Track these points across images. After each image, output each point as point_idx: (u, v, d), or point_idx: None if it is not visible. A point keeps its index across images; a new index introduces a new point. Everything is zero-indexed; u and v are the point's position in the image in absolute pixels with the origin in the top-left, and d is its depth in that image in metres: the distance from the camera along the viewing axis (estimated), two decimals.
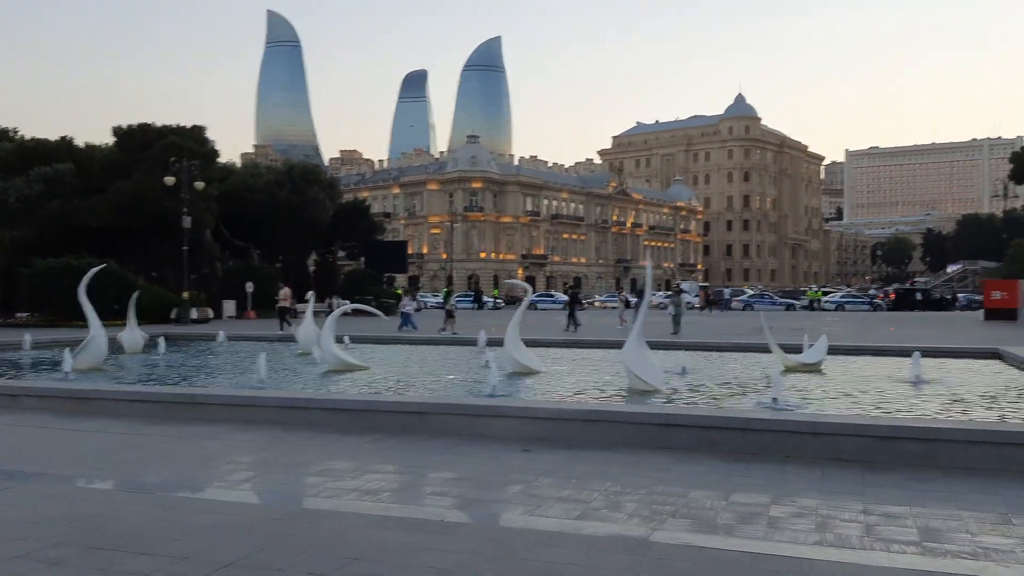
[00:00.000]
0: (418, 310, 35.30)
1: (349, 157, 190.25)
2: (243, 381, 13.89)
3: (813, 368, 14.98)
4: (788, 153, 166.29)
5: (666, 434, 7.95)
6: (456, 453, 7.96)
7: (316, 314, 47.42)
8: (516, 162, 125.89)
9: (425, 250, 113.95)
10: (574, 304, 33.33)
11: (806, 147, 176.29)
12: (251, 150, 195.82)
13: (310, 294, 21.75)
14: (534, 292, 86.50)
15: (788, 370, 14.95)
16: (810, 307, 56.73)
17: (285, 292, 33.25)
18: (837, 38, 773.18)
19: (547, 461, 7.48)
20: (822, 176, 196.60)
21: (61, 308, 35.12)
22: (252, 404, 9.65)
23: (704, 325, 34.03)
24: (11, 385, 11.36)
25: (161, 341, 19.25)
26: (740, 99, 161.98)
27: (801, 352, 16.42)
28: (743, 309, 54.32)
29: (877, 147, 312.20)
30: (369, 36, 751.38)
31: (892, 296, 58.54)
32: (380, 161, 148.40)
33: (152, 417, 10.10)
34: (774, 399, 10.07)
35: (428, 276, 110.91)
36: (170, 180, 33.87)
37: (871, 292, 74.55)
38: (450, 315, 30.11)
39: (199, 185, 35.97)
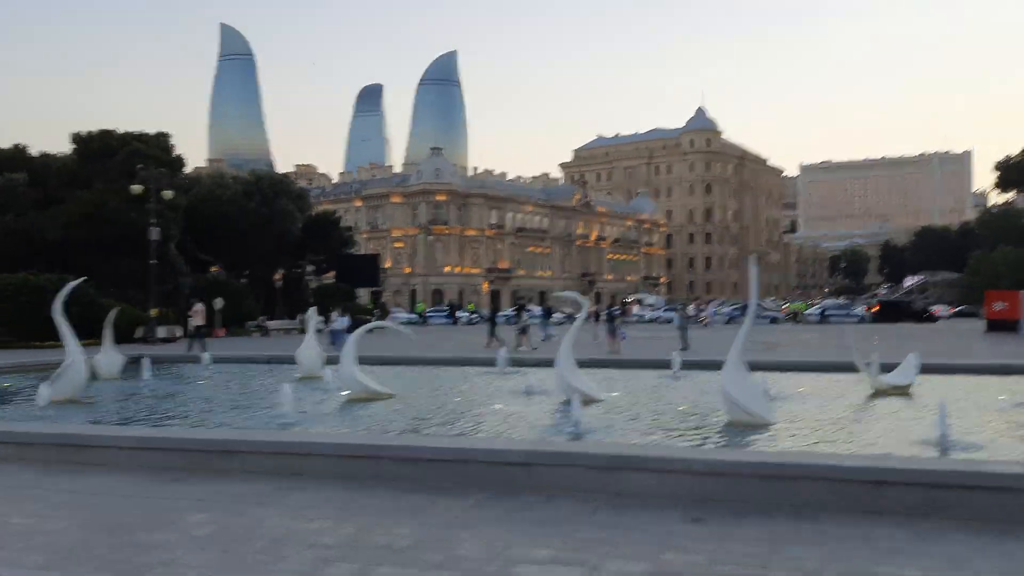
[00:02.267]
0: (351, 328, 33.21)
1: (305, 171, 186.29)
2: (261, 415, 11.78)
3: (903, 391, 13.33)
4: (748, 166, 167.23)
5: (876, 493, 6.12)
6: (604, 525, 6.02)
7: (288, 332, 44.85)
8: (471, 174, 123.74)
9: (388, 264, 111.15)
10: (494, 320, 32.46)
11: (766, 160, 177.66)
12: (204, 164, 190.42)
13: (311, 310, 19.56)
14: (510, 309, 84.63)
15: (877, 392, 13.30)
16: (794, 319, 55.78)
17: (199, 308, 29.57)
18: (795, 53, 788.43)
19: (745, 538, 5.59)
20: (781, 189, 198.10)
21: (17, 328, 32.32)
22: (303, 452, 7.61)
23: (713, 340, 32.38)
24: None
25: (146, 364, 16.92)
26: (700, 112, 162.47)
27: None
28: (727, 323, 53.01)
29: (830, 161, 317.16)
30: (323, 50, 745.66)
31: (876, 308, 57.83)
32: (341, 174, 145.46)
33: (168, 469, 7.99)
34: (942, 436, 8.34)
35: (392, 291, 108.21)
36: (137, 188, 31.36)
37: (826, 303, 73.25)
38: (524, 331, 28.67)
39: (167, 194, 33.46)
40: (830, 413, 11.41)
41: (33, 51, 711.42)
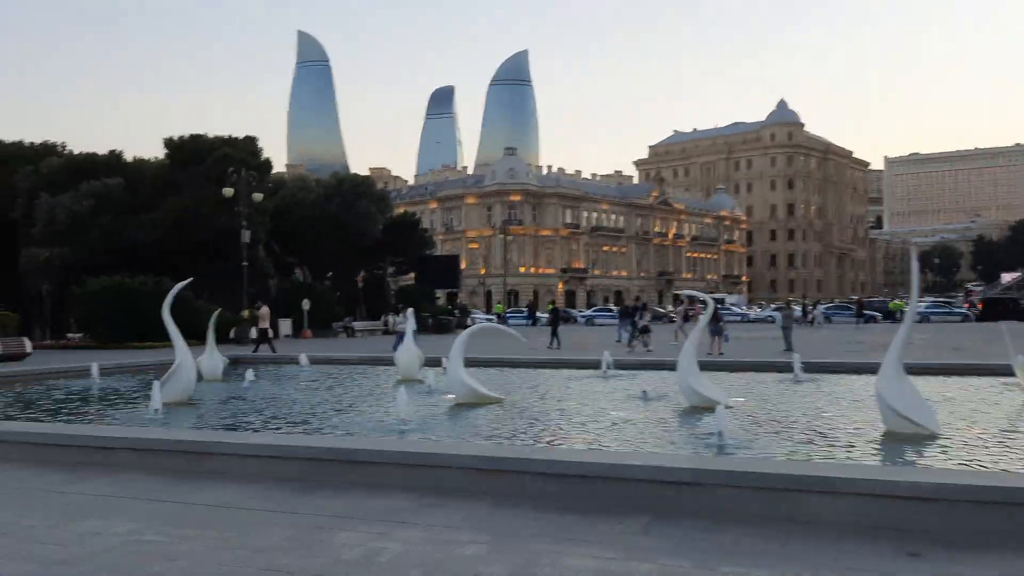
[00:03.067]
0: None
1: (379, 174, 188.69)
2: (374, 420, 11.32)
3: None
4: (833, 159, 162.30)
5: None
6: (804, 559, 5.23)
7: (372, 333, 44.76)
8: (544, 174, 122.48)
9: (464, 265, 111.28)
10: (557, 321, 32.44)
11: (851, 153, 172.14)
12: (283, 170, 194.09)
13: (410, 311, 19.15)
14: (591, 308, 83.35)
15: None
16: (892, 318, 53.34)
17: (264, 311, 28.84)
18: (880, 42, 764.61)
19: None
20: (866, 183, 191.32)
21: (113, 329, 33.04)
22: (441, 464, 7.04)
23: (817, 341, 30.99)
24: (104, 435, 8.82)
25: (249, 370, 16.76)
26: (782, 105, 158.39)
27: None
28: (824, 322, 50.98)
29: (917, 153, 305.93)
30: (395, 53, 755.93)
31: (980, 306, 54.76)
32: (416, 177, 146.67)
33: (294, 481, 7.52)
34: None
35: (467, 292, 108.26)
36: (228, 192, 31.71)
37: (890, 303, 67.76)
38: (646, 330, 27.86)
39: (257, 197, 33.77)
40: (996, 423, 10.33)
41: (125, 59, 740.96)
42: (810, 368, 16.83)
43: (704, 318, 13.25)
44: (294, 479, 7.58)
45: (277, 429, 10.88)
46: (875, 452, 8.70)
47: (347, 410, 12.92)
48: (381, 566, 5.26)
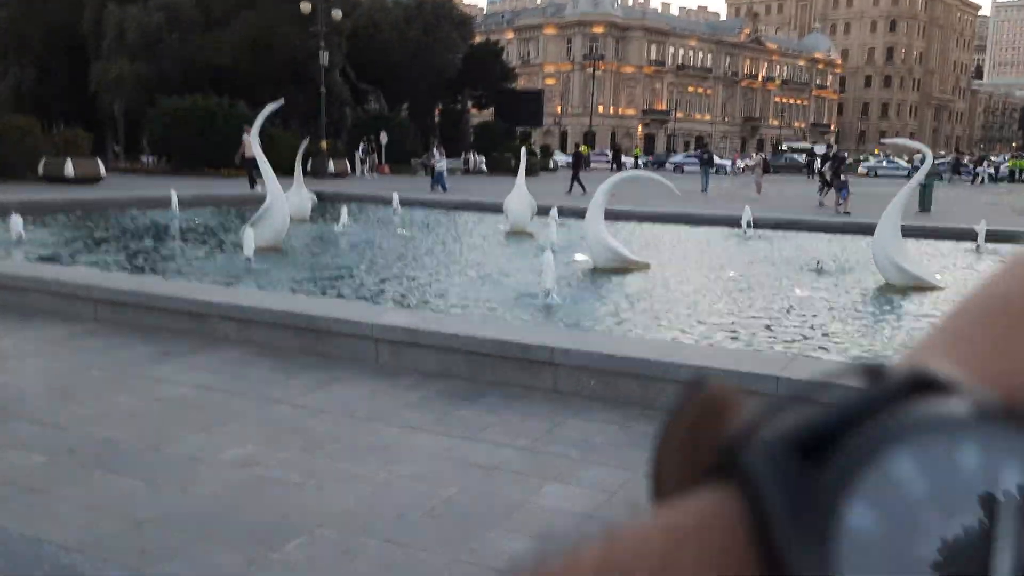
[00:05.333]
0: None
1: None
2: (510, 288, 9.35)
3: None
4: (941, 1, 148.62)
5: None
6: None
7: (451, 172, 42.70)
8: (629, 4, 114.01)
9: None
10: (578, 166, 29.48)
11: None
12: None
13: (523, 151, 16.82)
14: (678, 153, 79.46)
15: None
16: (1011, 178, 48.89)
17: (247, 138, 26.40)
18: None
19: None
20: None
21: (186, 154, 31.46)
22: (668, 377, 5.01)
23: (957, 201, 27.91)
24: (199, 298, 6.99)
25: (343, 211, 14.84)
26: None
27: None
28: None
29: None
30: None
31: None
32: (490, 4, 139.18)
33: (446, 378, 5.63)
34: None
35: (541, 132, 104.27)
36: (307, 7, 28.93)
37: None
38: (843, 187, 21.79)
39: (337, 15, 30.92)
40: None
41: None
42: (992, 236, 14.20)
43: (922, 171, 10.66)
44: (446, 376, 5.68)
45: (405, 300, 8.96)
46: None
47: (467, 269, 10.97)
48: None
